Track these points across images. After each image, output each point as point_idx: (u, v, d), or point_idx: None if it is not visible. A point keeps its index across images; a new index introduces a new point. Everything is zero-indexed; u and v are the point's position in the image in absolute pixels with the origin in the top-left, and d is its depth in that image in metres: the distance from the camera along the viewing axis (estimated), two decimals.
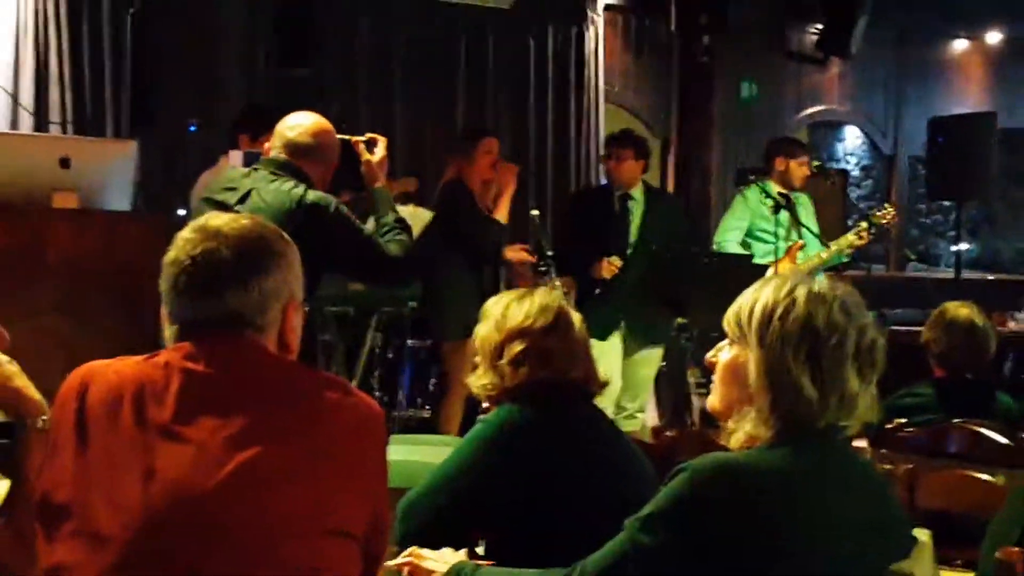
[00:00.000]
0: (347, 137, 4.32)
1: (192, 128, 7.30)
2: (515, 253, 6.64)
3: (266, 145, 4.22)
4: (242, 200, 3.98)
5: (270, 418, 1.94)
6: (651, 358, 6.61)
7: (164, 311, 2.09)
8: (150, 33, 7.60)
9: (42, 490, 1.93)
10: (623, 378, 6.42)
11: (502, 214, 6.31)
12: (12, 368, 2.83)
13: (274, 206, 3.90)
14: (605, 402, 6.17)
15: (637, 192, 6.60)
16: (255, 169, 4.12)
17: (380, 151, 4.33)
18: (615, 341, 6.40)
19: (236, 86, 8.23)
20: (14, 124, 7.20)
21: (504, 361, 2.80)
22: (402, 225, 4.23)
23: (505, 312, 2.86)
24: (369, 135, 4.39)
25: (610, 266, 6.35)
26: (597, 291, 6.32)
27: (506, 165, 6.51)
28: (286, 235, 2.15)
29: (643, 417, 6.64)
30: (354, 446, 1.99)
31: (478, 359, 2.89)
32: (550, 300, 2.90)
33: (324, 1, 8.33)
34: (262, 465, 1.87)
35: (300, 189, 3.98)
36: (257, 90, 8.26)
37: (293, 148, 4.11)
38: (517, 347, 2.79)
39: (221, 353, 2.00)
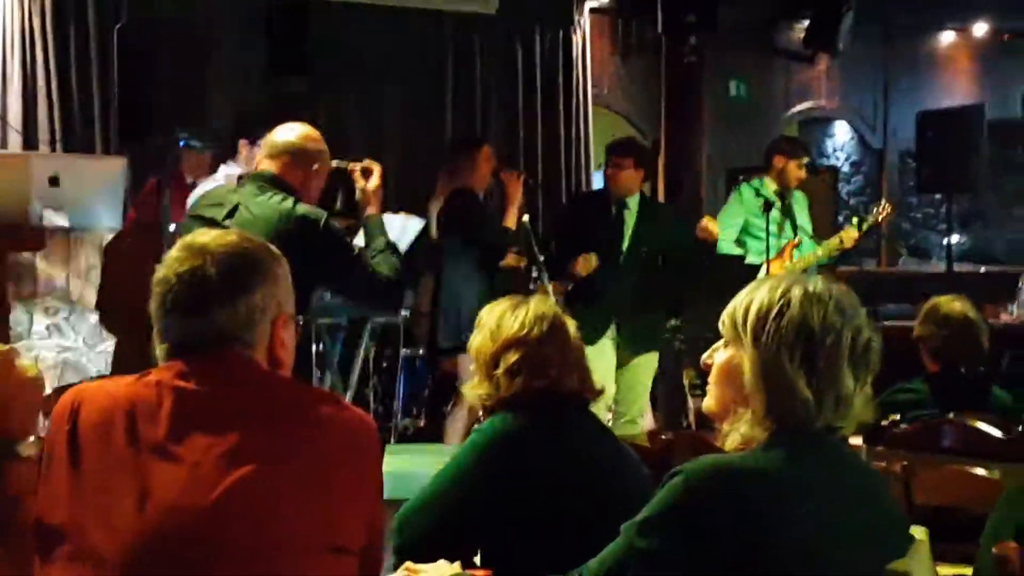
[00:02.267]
0: (343, 164, 4.32)
1: (182, 143, 7.30)
2: (508, 259, 6.63)
3: (254, 161, 4.22)
4: (230, 215, 3.97)
5: (263, 435, 1.92)
6: (648, 363, 6.61)
7: (155, 329, 2.07)
8: (138, 47, 7.58)
9: (37, 513, 1.92)
10: (620, 384, 6.42)
11: (510, 222, 6.30)
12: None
13: (262, 219, 3.90)
14: (598, 408, 6.19)
15: (632, 201, 6.59)
16: (241, 184, 4.11)
17: (375, 179, 4.34)
18: (607, 345, 6.39)
19: (226, 98, 8.23)
20: (3, 143, 7.20)
21: (500, 371, 2.79)
22: (392, 249, 4.23)
23: (500, 321, 2.85)
24: (365, 163, 4.40)
25: (586, 262, 6.33)
26: (570, 287, 6.30)
27: (510, 172, 6.50)
28: (274, 249, 2.14)
29: (643, 422, 6.63)
30: (348, 461, 1.98)
31: (473, 368, 2.89)
32: (545, 308, 2.90)
33: (315, 11, 8.33)
34: (256, 483, 1.87)
35: (289, 202, 3.98)
36: (248, 102, 8.27)
37: (276, 152, 4.10)
38: (512, 356, 2.78)
39: (211, 371, 1.98)
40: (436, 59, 9.14)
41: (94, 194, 5.09)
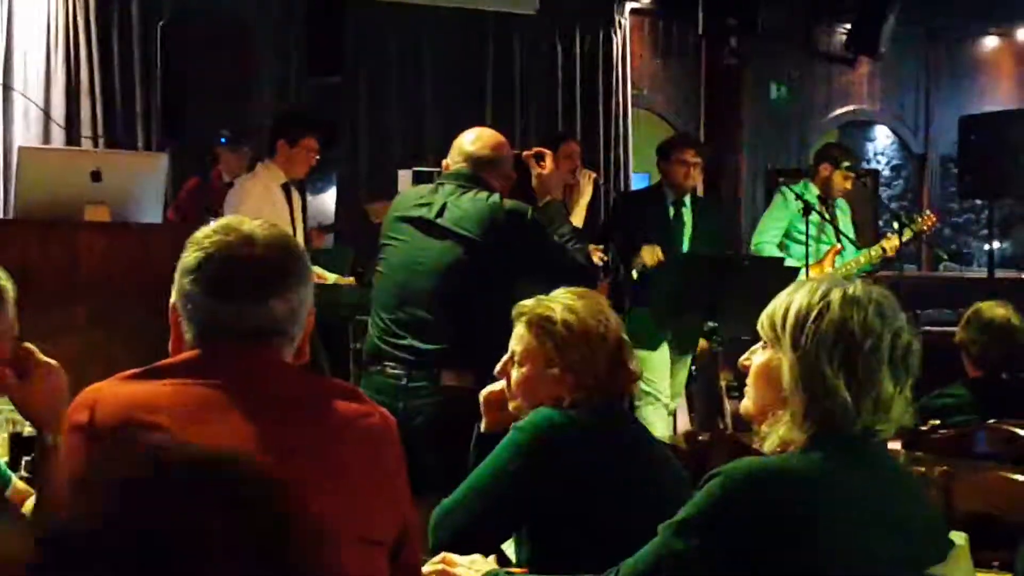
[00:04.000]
0: (516, 152, 4.38)
1: (223, 140, 7.34)
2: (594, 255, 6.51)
3: (444, 162, 4.26)
4: (440, 214, 4.03)
5: (291, 431, 1.92)
6: (684, 363, 6.57)
7: (175, 309, 2.02)
8: (180, 45, 7.64)
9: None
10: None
11: (578, 220, 6.25)
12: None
13: (475, 214, 3.98)
14: (660, 423, 6.14)
15: (687, 199, 6.50)
16: (440, 184, 4.16)
17: (549, 164, 4.42)
18: (665, 346, 6.32)
19: (267, 96, 8.28)
20: (46, 138, 7.26)
21: (554, 368, 2.75)
22: (578, 234, 4.33)
23: (583, 316, 2.79)
24: (537, 149, 4.49)
25: (652, 253, 6.18)
26: (635, 286, 6.19)
27: (586, 172, 6.45)
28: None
29: (672, 408, 6.54)
30: (372, 454, 1.98)
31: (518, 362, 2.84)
32: (602, 306, 2.86)
33: (354, 9, 8.36)
34: (292, 478, 1.86)
35: (496, 198, 4.04)
36: (288, 100, 8.31)
37: (476, 161, 4.14)
38: (573, 356, 2.73)
39: (243, 367, 1.96)
40: (476, 58, 9.16)
41: (136, 189, 5.11)
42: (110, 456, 1.82)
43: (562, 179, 6.12)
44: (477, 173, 4.11)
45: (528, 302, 2.81)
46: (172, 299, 2.04)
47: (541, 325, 2.76)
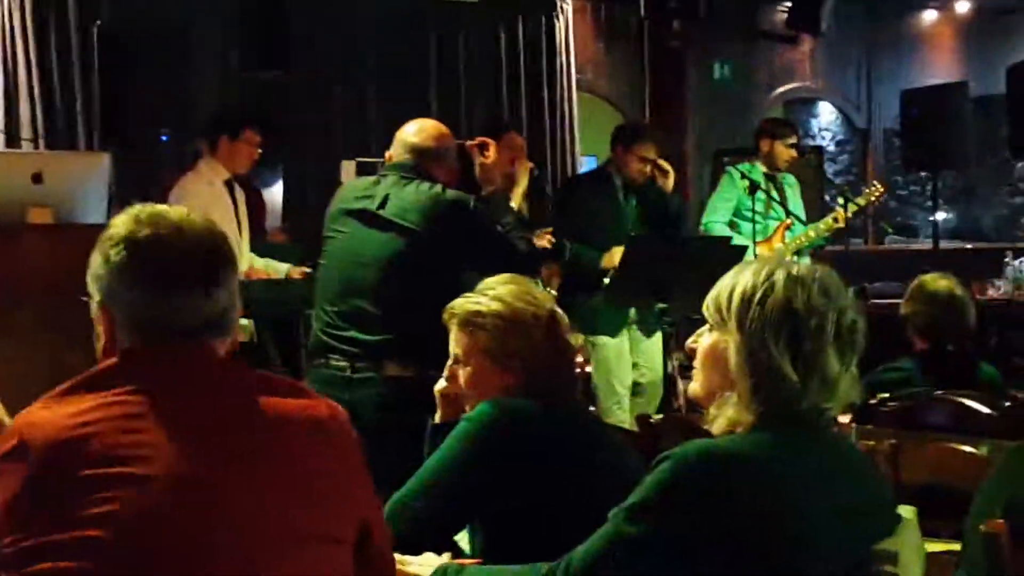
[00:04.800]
0: (459, 142, 4.38)
1: (164, 138, 7.28)
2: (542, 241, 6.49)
3: (387, 153, 4.24)
4: (382, 205, 4.03)
5: (227, 435, 1.85)
6: (655, 342, 6.53)
7: (106, 310, 1.92)
8: (118, 45, 7.57)
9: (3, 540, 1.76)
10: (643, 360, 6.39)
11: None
12: None
13: (418, 205, 3.98)
14: (619, 412, 6.14)
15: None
16: (383, 176, 4.15)
17: (492, 153, 4.43)
18: (624, 340, 6.32)
19: (207, 94, 8.22)
20: None
21: (496, 360, 2.77)
22: (522, 223, 4.35)
23: (512, 305, 2.80)
24: (480, 139, 4.49)
25: (612, 257, 6.16)
26: (605, 280, 6.15)
27: (524, 162, 6.42)
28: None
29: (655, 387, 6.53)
30: (320, 448, 1.92)
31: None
32: (547, 298, 2.89)
33: (293, 3, 8.31)
34: (234, 482, 1.82)
35: (439, 188, 4.05)
36: (229, 97, 8.26)
37: (419, 153, 4.15)
38: (512, 343, 2.75)
39: (173, 370, 1.88)
40: (419, 48, 9.13)
41: (79, 190, 5.06)
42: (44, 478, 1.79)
43: (504, 169, 6.11)
44: (420, 164, 4.12)
45: (456, 302, 2.83)
46: (96, 299, 1.94)
47: (472, 322, 2.78)
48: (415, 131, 4.20)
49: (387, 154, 4.27)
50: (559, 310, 2.86)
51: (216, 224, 1.99)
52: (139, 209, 1.94)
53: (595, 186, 6.60)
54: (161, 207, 1.96)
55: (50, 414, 1.81)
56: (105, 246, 1.91)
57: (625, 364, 6.34)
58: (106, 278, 1.91)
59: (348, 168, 6.69)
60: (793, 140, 7.08)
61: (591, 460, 2.69)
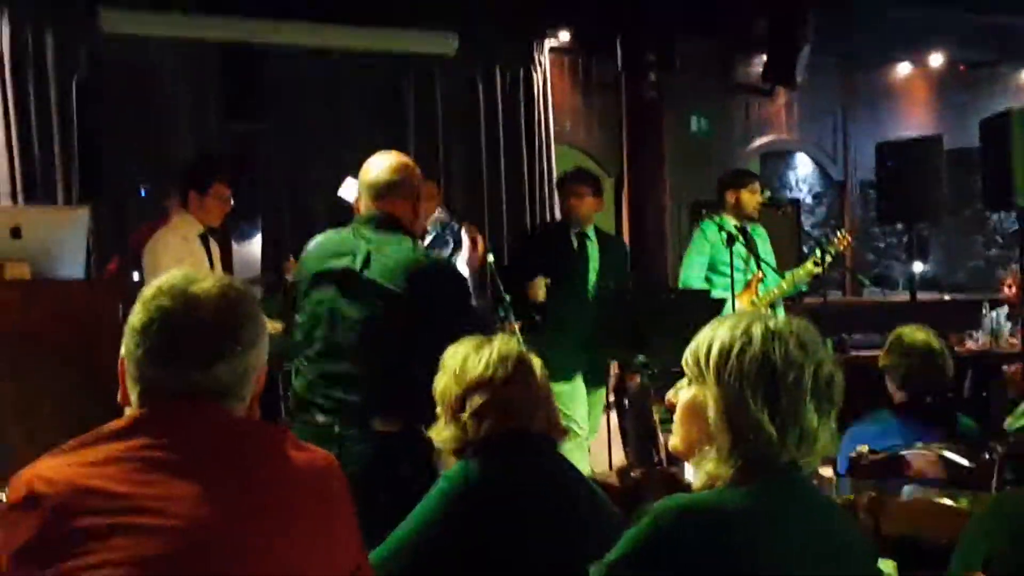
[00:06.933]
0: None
1: (143, 192, 7.27)
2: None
3: (354, 202, 4.22)
4: (366, 264, 3.96)
5: (243, 489, 1.90)
6: (599, 397, 6.67)
7: (122, 362, 1.99)
8: (96, 98, 7.57)
9: None
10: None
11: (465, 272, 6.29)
12: None
13: (402, 265, 3.91)
14: (578, 446, 6.18)
15: (591, 231, 6.63)
16: (357, 229, 4.08)
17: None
18: (579, 380, 6.40)
19: (186, 147, 8.22)
20: None
21: (466, 414, 2.78)
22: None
23: (464, 364, 2.83)
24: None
25: (535, 288, 6.28)
26: (536, 317, 6.24)
27: (468, 226, 6.53)
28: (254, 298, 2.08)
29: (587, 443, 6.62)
30: (322, 495, 1.98)
31: (439, 411, 2.88)
32: (509, 349, 2.88)
33: (270, 54, 8.33)
34: (246, 533, 1.85)
35: (421, 248, 4.05)
36: (207, 149, 8.25)
37: (377, 190, 4.08)
38: (478, 400, 2.76)
39: (189, 425, 1.93)
40: (397, 101, 9.16)
41: (56, 244, 5.03)
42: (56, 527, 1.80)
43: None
44: (388, 212, 4.06)
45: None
46: (121, 352, 2.01)
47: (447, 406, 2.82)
48: (368, 170, 4.15)
49: (355, 203, 4.24)
50: (522, 355, 2.88)
51: (238, 292, 2.02)
52: (175, 273, 2.02)
53: (551, 235, 6.75)
54: (194, 273, 2.02)
55: (63, 464, 1.85)
56: (136, 304, 1.99)
57: (581, 405, 6.40)
58: (127, 334, 1.98)
59: (350, 185, 6.66)
60: (756, 185, 7.09)
61: (569, 517, 2.68)
